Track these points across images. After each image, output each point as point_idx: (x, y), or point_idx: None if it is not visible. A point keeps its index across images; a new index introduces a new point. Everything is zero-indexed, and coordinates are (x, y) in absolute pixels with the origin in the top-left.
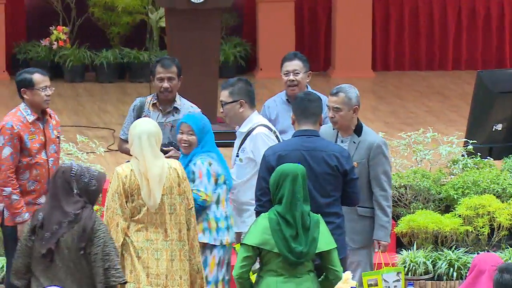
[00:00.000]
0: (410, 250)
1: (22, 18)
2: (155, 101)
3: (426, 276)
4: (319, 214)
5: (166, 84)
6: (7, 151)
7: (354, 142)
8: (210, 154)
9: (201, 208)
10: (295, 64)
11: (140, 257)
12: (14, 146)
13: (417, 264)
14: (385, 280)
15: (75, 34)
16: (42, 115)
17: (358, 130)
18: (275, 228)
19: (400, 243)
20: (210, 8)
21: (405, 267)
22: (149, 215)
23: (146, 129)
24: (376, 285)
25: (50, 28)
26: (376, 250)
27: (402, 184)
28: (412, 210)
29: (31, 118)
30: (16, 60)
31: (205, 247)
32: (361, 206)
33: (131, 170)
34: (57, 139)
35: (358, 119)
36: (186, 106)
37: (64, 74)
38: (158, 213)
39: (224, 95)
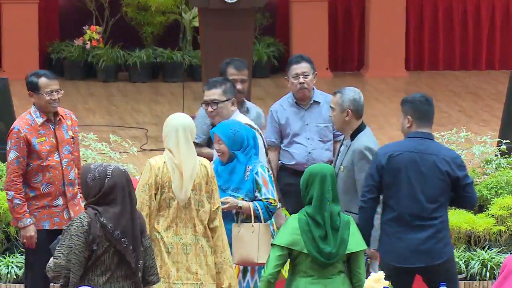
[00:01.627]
0: None
1: (55, 18)
2: None
3: (459, 276)
4: (424, 217)
5: (239, 86)
6: (12, 154)
7: (347, 146)
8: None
9: (273, 214)
10: (304, 67)
11: (170, 253)
12: (20, 150)
13: None
14: None
15: (109, 33)
16: (53, 116)
17: (354, 135)
18: (304, 229)
19: None
20: (244, 7)
21: None
22: (178, 209)
23: (182, 122)
24: None
25: (84, 27)
26: (366, 257)
27: None
28: None
29: (40, 120)
30: (49, 60)
31: None
32: (347, 211)
33: (164, 162)
34: (72, 140)
35: (363, 124)
36: (251, 107)
37: (97, 73)
38: (187, 208)
39: (217, 93)
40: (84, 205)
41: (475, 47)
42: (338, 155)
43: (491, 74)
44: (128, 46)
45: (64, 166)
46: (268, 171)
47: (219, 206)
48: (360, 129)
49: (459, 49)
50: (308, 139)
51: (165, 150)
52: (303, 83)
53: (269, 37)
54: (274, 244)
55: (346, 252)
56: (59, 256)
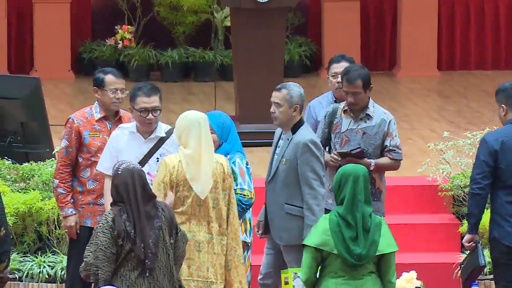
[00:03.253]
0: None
1: (87, 18)
2: (346, 108)
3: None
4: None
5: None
6: (63, 143)
7: (288, 139)
8: (241, 153)
9: (248, 207)
10: (343, 66)
11: None
12: (71, 140)
13: None
14: None
15: (140, 33)
16: (113, 115)
17: (295, 128)
18: (334, 230)
19: None
20: (276, 7)
21: None
22: (193, 207)
23: (201, 116)
24: (287, 283)
25: (116, 27)
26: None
27: (467, 184)
28: None
29: (98, 116)
30: (81, 60)
31: (244, 247)
32: (288, 204)
33: (179, 161)
34: None
35: (302, 118)
36: (379, 113)
37: (129, 73)
38: (202, 205)
39: (157, 101)
40: (110, 204)
41: (507, 46)
42: (275, 148)
43: None
44: (160, 45)
45: None
46: (247, 164)
47: (234, 204)
48: (300, 123)
49: (491, 48)
50: None
51: (180, 148)
52: (341, 82)
53: (300, 36)
54: (306, 245)
55: (377, 254)
56: (88, 255)
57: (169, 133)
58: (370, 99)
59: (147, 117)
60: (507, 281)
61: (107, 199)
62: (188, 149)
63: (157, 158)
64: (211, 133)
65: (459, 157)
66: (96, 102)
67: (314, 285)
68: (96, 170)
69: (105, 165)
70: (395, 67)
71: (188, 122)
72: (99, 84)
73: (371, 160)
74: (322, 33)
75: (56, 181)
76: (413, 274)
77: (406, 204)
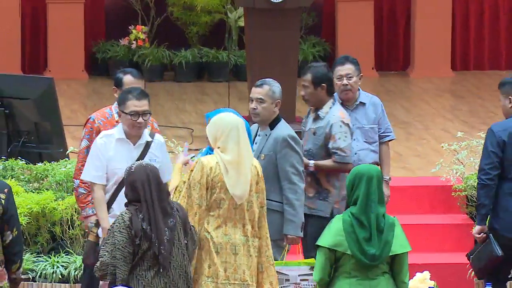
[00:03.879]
0: None
1: (101, 18)
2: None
3: None
4: None
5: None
6: (83, 143)
7: (266, 135)
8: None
9: None
10: (348, 68)
11: (219, 252)
12: (92, 140)
13: None
14: (282, 273)
15: (154, 33)
16: None
17: (273, 124)
18: (348, 230)
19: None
20: (289, 7)
21: None
22: (229, 210)
23: (238, 120)
24: None
25: (129, 27)
26: (284, 243)
27: None
28: None
29: (118, 116)
30: (95, 60)
31: None
32: (268, 199)
33: (217, 162)
34: None
35: (279, 114)
36: (330, 115)
37: (143, 73)
38: (237, 208)
39: (147, 105)
40: (125, 204)
41: None
42: (252, 144)
43: None
44: (174, 45)
45: None
46: None
47: (264, 205)
48: (278, 118)
49: (505, 49)
50: (354, 140)
51: (216, 150)
52: (347, 85)
53: (314, 36)
54: (319, 246)
55: (390, 254)
56: (104, 255)
57: (151, 136)
58: (335, 102)
59: (138, 121)
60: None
61: (100, 209)
62: (227, 155)
63: None
64: None
65: (473, 157)
66: (116, 102)
67: (328, 285)
68: (82, 179)
69: (93, 173)
70: (409, 67)
71: (226, 126)
72: (118, 84)
73: (311, 160)
74: (336, 33)
75: (77, 181)
76: (426, 274)
77: (419, 205)
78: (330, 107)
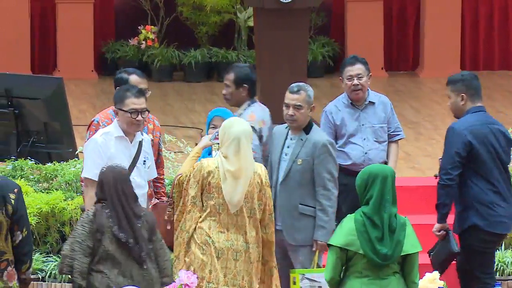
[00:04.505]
0: (499, 250)
1: (110, 18)
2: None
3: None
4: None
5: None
6: None
7: (302, 140)
8: None
9: None
10: (358, 68)
11: (220, 258)
12: None
13: (505, 264)
14: (313, 280)
15: (164, 33)
16: None
17: (308, 128)
18: (360, 230)
19: None
20: (299, 7)
21: None
22: (229, 216)
23: (243, 130)
24: (295, 283)
25: (139, 27)
26: (313, 249)
27: None
28: None
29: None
30: (104, 60)
31: None
32: (302, 204)
33: (216, 167)
34: (151, 142)
35: (311, 118)
36: (242, 117)
37: (152, 73)
38: (238, 215)
39: (145, 103)
40: (95, 202)
41: None
42: (282, 148)
43: None
44: (183, 46)
45: None
46: None
47: (272, 213)
48: (311, 123)
49: None
50: (364, 139)
51: (219, 154)
52: (357, 84)
53: (324, 36)
54: (331, 245)
55: (401, 254)
56: (66, 248)
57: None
58: (252, 105)
59: (137, 118)
60: (481, 271)
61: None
62: (227, 163)
63: (144, 161)
64: None
65: None
66: None
67: (339, 284)
68: (82, 176)
69: (95, 171)
70: (418, 67)
71: (230, 136)
72: (123, 84)
73: None
74: (345, 33)
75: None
76: (436, 274)
77: (428, 204)
78: (245, 109)
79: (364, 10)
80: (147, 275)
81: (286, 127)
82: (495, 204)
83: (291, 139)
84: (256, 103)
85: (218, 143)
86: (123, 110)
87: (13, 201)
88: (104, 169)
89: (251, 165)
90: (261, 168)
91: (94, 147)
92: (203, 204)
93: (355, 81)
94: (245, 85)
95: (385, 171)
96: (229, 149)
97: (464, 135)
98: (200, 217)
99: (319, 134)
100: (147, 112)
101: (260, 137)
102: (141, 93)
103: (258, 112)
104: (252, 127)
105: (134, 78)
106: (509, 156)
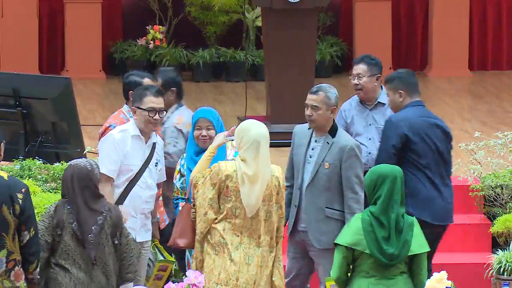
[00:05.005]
0: (506, 250)
1: (118, 18)
2: None
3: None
4: (448, 175)
5: None
6: None
7: (328, 143)
8: None
9: None
10: (359, 68)
11: (233, 260)
12: None
13: None
14: None
15: (172, 33)
16: None
17: (333, 131)
18: (367, 229)
19: (496, 243)
20: (307, 7)
21: (500, 267)
22: (245, 219)
23: (263, 133)
24: None
25: (147, 27)
26: None
27: (498, 184)
28: (508, 210)
29: (131, 114)
30: (112, 60)
31: None
32: (329, 207)
33: (234, 171)
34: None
35: (334, 120)
36: (169, 119)
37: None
38: (254, 218)
39: (163, 103)
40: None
41: None
42: (307, 150)
43: None
44: (191, 45)
45: None
46: None
47: (284, 216)
48: (335, 125)
49: None
50: (370, 139)
51: (237, 158)
52: (357, 84)
53: (332, 36)
54: (337, 244)
55: (409, 254)
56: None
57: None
58: (180, 107)
59: (154, 117)
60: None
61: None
62: (245, 166)
63: (156, 163)
64: (210, 129)
65: (490, 157)
66: (126, 106)
67: (345, 284)
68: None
69: (110, 167)
70: (427, 67)
71: (245, 139)
72: (136, 88)
73: None
74: (354, 33)
75: None
76: (443, 274)
77: None
78: (173, 112)
79: (372, 9)
80: (95, 278)
81: (309, 128)
82: (431, 195)
83: (315, 141)
84: (183, 106)
85: (233, 139)
86: (141, 108)
87: (20, 201)
88: (70, 164)
89: (268, 168)
90: (278, 171)
91: (111, 144)
92: (219, 207)
93: (355, 81)
94: (173, 88)
95: (394, 172)
96: (247, 153)
97: (400, 126)
98: (216, 219)
99: (345, 138)
100: (164, 112)
101: (186, 140)
102: (159, 93)
103: (186, 115)
104: (180, 130)
105: (147, 82)
106: (448, 149)
